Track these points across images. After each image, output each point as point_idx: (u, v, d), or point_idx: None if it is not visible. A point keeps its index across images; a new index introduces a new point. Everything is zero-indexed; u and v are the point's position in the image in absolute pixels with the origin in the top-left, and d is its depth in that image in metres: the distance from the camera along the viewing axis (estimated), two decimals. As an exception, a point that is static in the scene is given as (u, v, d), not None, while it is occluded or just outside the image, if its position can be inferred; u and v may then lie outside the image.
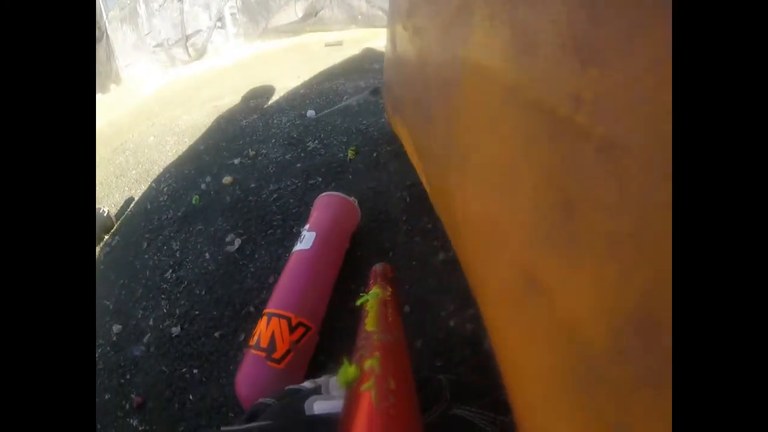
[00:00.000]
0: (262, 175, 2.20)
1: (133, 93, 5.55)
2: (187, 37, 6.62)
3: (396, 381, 0.31)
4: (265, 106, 3.15)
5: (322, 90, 3.09)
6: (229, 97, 3.55)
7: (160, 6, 7.36)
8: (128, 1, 9.03)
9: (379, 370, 0.32)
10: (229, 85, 3.89)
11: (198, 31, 6.49)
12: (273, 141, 2.52)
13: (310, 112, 2.68)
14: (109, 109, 4.48)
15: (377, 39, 4.40)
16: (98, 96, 5.32)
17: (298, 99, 3.06)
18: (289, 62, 4.16)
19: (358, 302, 0.49)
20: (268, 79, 3.72)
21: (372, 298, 0.48)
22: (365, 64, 3.54)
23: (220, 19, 6.28)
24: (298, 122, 2.67)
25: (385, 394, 0.29)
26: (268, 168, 2.25)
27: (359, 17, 5.36)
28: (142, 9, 8.11)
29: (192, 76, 5.39)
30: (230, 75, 4.59)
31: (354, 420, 0.28)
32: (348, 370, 0.34)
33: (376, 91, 2.69)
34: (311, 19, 5.58)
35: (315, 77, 3.47)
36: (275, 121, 2.77)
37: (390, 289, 0.51)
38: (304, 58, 4.22)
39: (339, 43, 4.51)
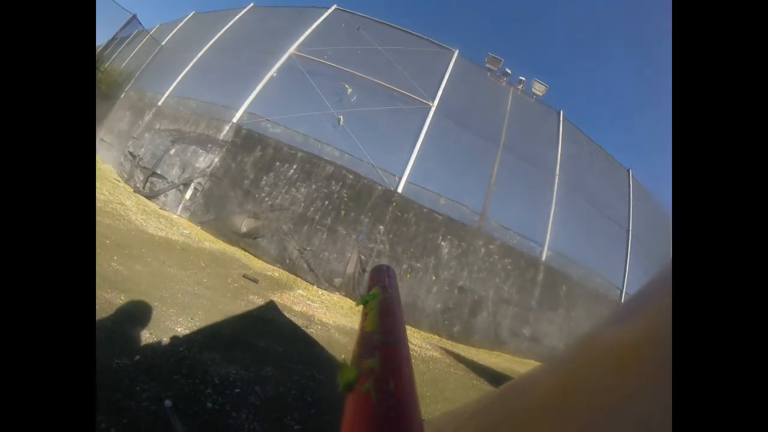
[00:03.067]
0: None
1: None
2: (153, 173, 6.93)
3: (396, 382, 0.31)
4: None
5: (195, 363, 2.45)
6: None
7: (158, 129, 7.71)
8: (147, 98, 9.23)
9: (379, 370, 0.32)
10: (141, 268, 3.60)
11: (163, 178, 6.81)
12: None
13: (167, 402, 2.00)
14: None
15: (292, 289, 5.06)
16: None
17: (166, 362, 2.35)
18: (201, 283, 4.00)
19: (358, 303, 0.50)
20: (166, 293, 3.34)
21: (372, 299, 0.49)
22: (252, 337, 3.22)
23: (186, 184, 6.60)
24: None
25: (385, 394, 0.29)
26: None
27: (287, 261, 5.94)
28: (148, 116, 8.43)
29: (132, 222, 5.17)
30: (153, 248, 4.47)
31: (354, 421, 0.28)
32: (347, 371, 0.34)
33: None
34: (249, 239, 6.06)
35: (201, 330, 2.97)
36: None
37: (389, 290, 0.52)
38: (217, 283, 4.25)
39: (255, 280, 4.81)
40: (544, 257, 7.37)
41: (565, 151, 8.37)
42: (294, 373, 2.82)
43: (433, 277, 6.21)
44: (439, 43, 8.59)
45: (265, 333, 3.41)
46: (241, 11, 10.14)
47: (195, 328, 2.97)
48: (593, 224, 8.47)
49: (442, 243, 6.36)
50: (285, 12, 9.54)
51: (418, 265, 6.20)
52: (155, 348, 2.45)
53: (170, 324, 2.84)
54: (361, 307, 0.47)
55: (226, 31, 9.70)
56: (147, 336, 2.55)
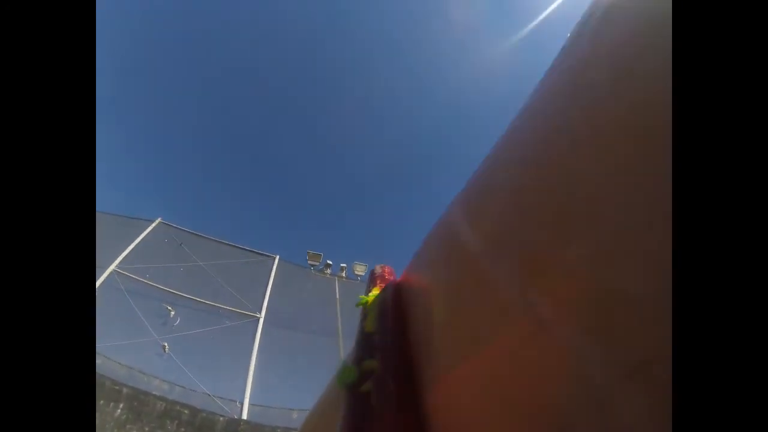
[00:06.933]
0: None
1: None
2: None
3: (396, 382, 0.30)
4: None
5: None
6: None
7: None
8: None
9: (378, 370, 0.32)
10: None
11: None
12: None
13: None
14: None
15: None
16: None
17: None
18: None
19: (358, 304, 0.49)
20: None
21: (372, 300, 0.47)
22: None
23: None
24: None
25: (385, 395, 0.29)
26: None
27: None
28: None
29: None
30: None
31: (353, 421, 0.29)
32: (347, 371, 0.34)
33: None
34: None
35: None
36: None
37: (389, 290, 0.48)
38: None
39: None
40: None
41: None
42: None
43: None
44: (260, 252, 9.01)
45: None
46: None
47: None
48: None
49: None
50: (110, 221, 8.38)
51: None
52: None
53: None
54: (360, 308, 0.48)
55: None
56: None
